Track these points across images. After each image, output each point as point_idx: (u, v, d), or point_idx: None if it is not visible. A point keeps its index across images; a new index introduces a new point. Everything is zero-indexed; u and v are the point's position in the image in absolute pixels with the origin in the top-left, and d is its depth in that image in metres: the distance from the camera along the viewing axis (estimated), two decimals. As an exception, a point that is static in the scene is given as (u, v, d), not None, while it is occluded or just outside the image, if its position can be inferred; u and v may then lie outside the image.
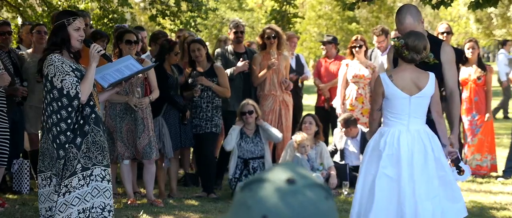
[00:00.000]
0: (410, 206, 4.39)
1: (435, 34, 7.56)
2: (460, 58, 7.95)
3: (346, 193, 7.06)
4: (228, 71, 7.59)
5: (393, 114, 4.54)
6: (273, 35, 7.77)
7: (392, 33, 8.71)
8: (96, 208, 4.45)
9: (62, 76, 4.35)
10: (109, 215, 4.50)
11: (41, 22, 10.35)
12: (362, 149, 7.77)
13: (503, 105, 15.59)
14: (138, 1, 21.61)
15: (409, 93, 4.49)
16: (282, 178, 1.24)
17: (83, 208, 4.39)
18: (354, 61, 8.29)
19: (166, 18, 12.98)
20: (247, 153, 7.03)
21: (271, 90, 7.80)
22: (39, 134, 7.11)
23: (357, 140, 7.81)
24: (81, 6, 12.45)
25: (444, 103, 4.87)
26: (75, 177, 4.36)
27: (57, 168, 4.37)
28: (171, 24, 13.17)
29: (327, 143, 8.12)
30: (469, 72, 8.24)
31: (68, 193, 4.35)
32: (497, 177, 8.13)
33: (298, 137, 7.21)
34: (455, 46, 15.33)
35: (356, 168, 7.70)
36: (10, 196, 6.87)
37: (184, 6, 12.84)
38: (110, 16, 12.09)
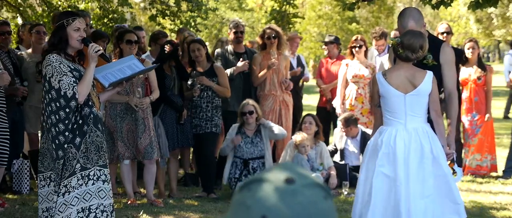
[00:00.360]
0: (406, 204, 4.39)
1: (435, 34, 7.56)
2: (460, 59, 7.96)
3: (346, 193, 7.06)
4: (228, 71, 7.59)
5: (390, 113, 4.56)
6: (273, 35, 7.77)
7: (392, 33, 8.72)
8: (102, 209, 4.45)
9: (60, 77, 4.35)
10: (102, 215, 4.48)
11: (41, 22, 10.35)
12: (362, 149, 7.77)
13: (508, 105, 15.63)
14: (138, 1, 21.61)
15: (404, 91, 4.50)
16: (281, 178, 1.24)
17: (82, 208, 4.39)
18: (354, 61, 8.29)
19: (166, 18, 12.98)
20: (246, 153, 7.03)
21: (271, 90, 7.80)
22: (39, 134, 7.12)
23: (357, 140, 7.81)
24: (81, 6, 12.45)
25: (443, 104, 4.87)
26: (74, 177, 4.37)
27: (57, 168, 4.38)
28: (171, 24, 13.16)
29: (327, 143, 8.12)
30: (469, 73, 8.24)
31: (68, 193, 4.36)
32: (497, 177, 8.13)
33: (298, 137, 7.21)
34: (455, 46, 15.35)
35: (356, 168, 7.70)
36: (10, 196, 6.87)
37: (184, 6, 12.84)
38: (110, 16, 12.09)
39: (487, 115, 8.24)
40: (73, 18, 4.50)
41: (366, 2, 8.18)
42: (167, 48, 6.83)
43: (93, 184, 4.42)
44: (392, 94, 4.51)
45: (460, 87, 8.14)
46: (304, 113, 8.33)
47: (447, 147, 4.63)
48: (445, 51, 4.82)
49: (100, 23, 12.05)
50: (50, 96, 4.37)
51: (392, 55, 5.00)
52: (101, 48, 4.63)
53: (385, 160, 4.49)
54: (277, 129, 7.11)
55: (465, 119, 8.27)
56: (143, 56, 7.23)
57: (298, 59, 9.18)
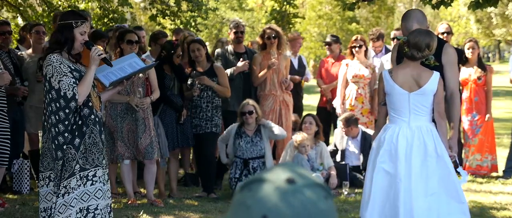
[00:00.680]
0: (405, 202, 4.40)
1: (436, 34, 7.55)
2: (460, 59, 7.96)
3: (346, 193, 7.06)
4: (228, 71, 7.60)
5: (394, 110, 4.58)
6: (273, 35, 7.78)
7: (392, 33, 8.72)
8: (101, 210, 4.46)
9: (60, 77, 4.35)
10: (101, 216, 4.50)
11: (41, 22, 10.35)
12: (362, 149, 7.78)
13: None
14: (138, 1, 21.62)
15: (409, 90, 4.51)
16: (281, 177, 1.24)
17: (80, 208, 4.39)
18: (354, 61, 8.30)
19: (166, 18, 12.97)
20: (246, 153, 7.03)
21: (271, 90, 7.80)
22: (40, 134, 7.12)
23: (358, 140, 7.82)
24: (81, 6, 12.45)
25: (445, 105, 4.87)
26: (74, 178, 4.37)
27: (56, 169, 4.38)
28: (171, 24, 13.16)
29: (327, 143, 8.13)
30: (469, 73, 8.24)
31: (67, 194, 4.36)
32: (497, 177, 8.13)
33: (298, 136, 7.21)
34: (455, 46, 15.33)
35: (356, 168, 7.71)
36: (10, 196, 6.87)
37: (184, 6, 12.84)
38: (110, 16, 12.08)
39: (487, 115, 8.24)
40: (82, 21, 4.50)
41: (366, 2, 8.19)
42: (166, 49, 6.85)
43: (92, 184, 4.42)
44: (397, 92, 4.52)
45: (460, 88, 8.14)
46: (304, 113, 8.33)
47: (448, 149, 4.63)
48: (448, 52, 4.81)
49: (100, 23, 12.05)
50: (51, 97, 4.37)
51: (394, 55, 5.00)
52: (104, 52, 4.63)
53: (387, 156, 4.51)
54: (277, 129, 7.11)
55: (465, 119, 8.27)
56: (143, 56, 7.23)
57: (299, 59, 9.18)
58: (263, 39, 7.86)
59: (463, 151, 8.29)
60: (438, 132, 4.57)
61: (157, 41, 7.80)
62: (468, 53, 8.19)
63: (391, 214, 4.46)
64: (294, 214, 1.20)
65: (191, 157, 8.32)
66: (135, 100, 6.24)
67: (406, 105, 4.52)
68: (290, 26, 25.26)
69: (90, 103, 4.49)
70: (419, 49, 4.44)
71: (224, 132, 7.29)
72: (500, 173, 8.24)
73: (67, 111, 4.34)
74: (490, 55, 52.42)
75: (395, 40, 8.47)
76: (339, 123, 7.86)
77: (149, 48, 8.22)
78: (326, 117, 8.69)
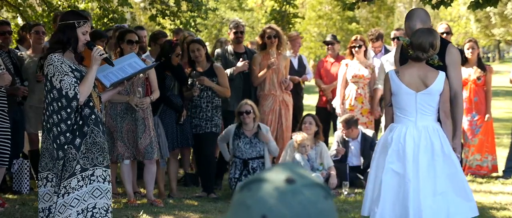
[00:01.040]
0: (414, 202, 4.41)
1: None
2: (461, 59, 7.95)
3: (346, 193, 7.06)
4: (228, 71, 7.60)
5: (400, 110, 4.58)
6: (274, 34, 7.78)
7: (392, 33, 8.72)
8: (99, 209, 4.46)
9: (61, 77, 4.35)
10: (111, 216, 4.53)
11: (41, 22, 10.35)
12: (362, 150, 7.78)
13: None
14: (138, 1, 21.62)
15: (416, 90, 4.52)
16: (281, 177, 1.24)
17: (82, 209, 4.39)
18: (353, 61, 8.30)
19: (166, 18, 12.98)
20: (245, 154, 7.03)
21: (271, 90, 7.80)
22: (39, 134, 7.12)
23: (358, 141, 7.82)
24: (81, 6, 12.45)
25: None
26: (74, 178, 4.37)
27: (57, 169, 4.38)
28: (171, 24, 13.17)
29: (327, 143, 8.13)
30: (468, 73, 8.23)
31: (67, 194, 4.36)
32: (497, 177, 8.14)
33: (299, 136, 7.21)
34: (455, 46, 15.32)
35: (356, 168, 7.71)
36: (10, 196, 6.87)
37: (184, 6, 12.84)
38: (110, 16, 12.08)
39: (487, 115, 8.24)
40: (84, 21, 4.51)
41: (366, 2, 8.18)
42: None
43: (90, 183, 4.42)
44: (404, 92, 4.53)
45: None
46: (304, 113, 8.33)
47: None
48: (451, 52, 4.79)
49: (100, 23, 12.05)
50: (52, 96, 4.37)
51: (397, 56, 4.99)
52: (105, 52, 4.64)
53: (395, 157, 4.51)
54: (273, 146, 7.11)
55: (465, 119, 8.26)
56: (143, 56, 7.23)
57: (300, 59, 9.18)
58: (263, 39, 7.86)
59: (463, 151, 8.29)
60: (444, 131, 4.57)
61: (157, 41, 7.80)
62: (467, 54, 8.19)
63: (401, 214, 4.47)
64: (293, 214, 1.20)
65: (191, 157, 8.32)
66: (134, 100, 6.24)
67: (413, 105, 4.53)
68: (290, 26, 25.26)
69: (91, 103, 4.49)
70: (423, 50, 4.45)
71: (223, 132, 7.29)
72: (500, 173, 8.24)
73: (68, 110, 4.35)
74: (489, 55, 52.39)
75: (396, 40, 8.47)
76: (339, 125, 7.86)
77: (149, 48, 8.22)
78: (325, 116, 8.69)
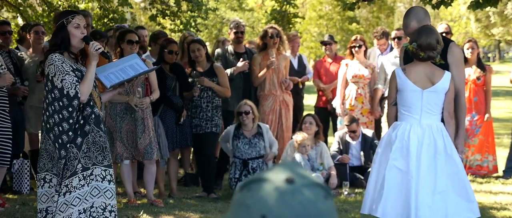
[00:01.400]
0: (416, 199, 4.42)
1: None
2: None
3: (346, 193, 7.06)
4: (228, 71, 7.60)
5: (406, 108, 4.58)
6: (276, 33, 7.80)
7: (393, 33, 8.71)
8: (96, 207, 4.45)
9: (62, 76, 4.35)
10: (110, 215, 4.51)
11: (41, 22, 10.35)
12: (362, 150, 7.79)
13: None
14: (138, 1, 21.62)
15: (422, 87, 4.52)
16: (281, 177, 1.24)
17: (84, 208, 4.39)
18: (353, 61, 8.30)
19: (166, 18, 12.98)
20: (244, 154, 7.03)
21: (271, 90, 7.81)
22: (40, 134, 7.12)
23: (358, 141, 7.82)
24: (81, 6, 12.45)
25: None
26: (76, 177, 4.37)
27: (58, 168, 4.38)
28: (171, 24, 13.17)
29: (327, 143, 8.12)
30: (468, 73, 8.23)
31: (69, 193, 4.36)
32: (497, 177, 8.14)
33: (299, 136, 7.21)
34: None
35: (356, 168, 7.71)
36: (10, 196, 6.88)
37: (184, 6, 12.85)
38: (110, 16, 12.09)
39: (486, 115, 8.24)
40: (72, 15, 4.49)
41: (366, 2, 8.19)
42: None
43: (92, 183, 4.42)
44: (410, 89, 4.54)
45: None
46: (304, 113, 8.33)
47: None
48: (453, 51, 4.79)
49: (100, 23, 12.05)
50: (53, 96, 4.37)
51: (402, 56, 4.99)
52: (101, 46, 4.62)
53: (398, 154, 4.52)
54: (275, 147, 7.12)
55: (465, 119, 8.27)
56: (144, 56, 7.23)
57: (300, 59, 9.18)
58: (263, 39, 7.87)
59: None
60: (447, 131, 4.58)
61: (157, 41, 7.80)
62: (467, 53, 8.19)
63: (403, 210, 4.48)
64: (293, 214, 1.20)
65: (191, 157, 8.32)
66: (134, 100, 6.24)
67: (418, 103, 4.54)
68: (290, 26, 25.25)
69: (92, 103, 4.49)
70: (433, 48, 4.48)
71: (223, 133, 7.29)
72: (500, 173, 8.24)
73: (70, 109, 4.35)
74: (490, 55, 52.37)
75: (396, 40, 8.47)
76: (343, 126, 7.87)
77: (149, 48, 8.22)
78: (325, 116, 8.70)
